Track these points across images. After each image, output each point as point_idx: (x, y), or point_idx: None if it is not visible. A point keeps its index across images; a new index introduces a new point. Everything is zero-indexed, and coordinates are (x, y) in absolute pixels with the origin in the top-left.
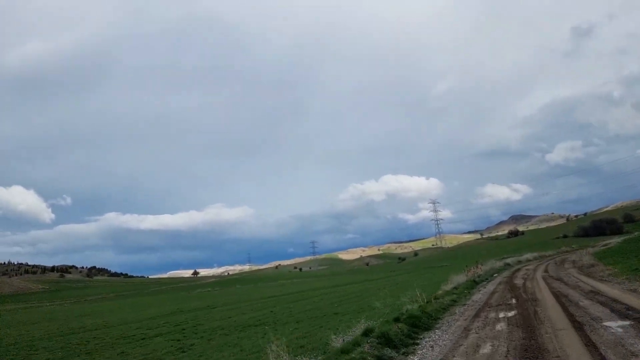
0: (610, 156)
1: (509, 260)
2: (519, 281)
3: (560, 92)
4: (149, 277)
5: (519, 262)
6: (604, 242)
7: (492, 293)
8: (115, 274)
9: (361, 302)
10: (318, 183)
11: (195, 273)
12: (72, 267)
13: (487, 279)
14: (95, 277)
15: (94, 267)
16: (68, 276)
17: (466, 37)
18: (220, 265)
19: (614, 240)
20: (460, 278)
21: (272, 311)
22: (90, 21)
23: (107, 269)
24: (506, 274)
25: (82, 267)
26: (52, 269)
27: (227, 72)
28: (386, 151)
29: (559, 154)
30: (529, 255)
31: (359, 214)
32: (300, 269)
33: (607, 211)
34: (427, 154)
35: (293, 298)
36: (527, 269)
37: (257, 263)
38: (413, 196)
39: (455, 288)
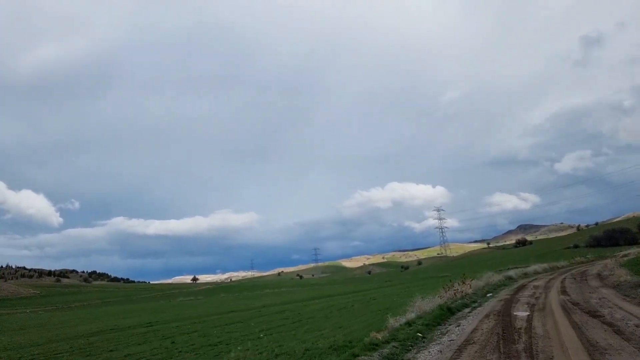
0: (620, 166)
1: (512, 273)
2: (521, 312)
3: (570, 101)
4: (151, 282)
5: (525, 274)
6: (623, 253)
7: (463, 346)
8: (116, 279)
9: (283, 333)
10: (324, 189)
11: (195, 279)
12: (73, 271)
13: (474, 302)
14: (94, 282)
15: (95, 272)
16: (65, 281)
17: (475, 46)
18: (224, 271)
19: (634, 251)
20: (429, 303)
21: (173, 342)
22: (101, 27)
23: (107, 274)
24: (505, 293)
25: (83, 272)
26: (49, 273)
27: (235, 79)
28: (393, 158)
29: (568, 163)
30: (537, 267)
31: (364, 221)
32: (301, 277)
33: (618, 221)
34: (434, 162)
35: (239, 317)
36: (535, 287)
37: (261, 269)
38: (419, 204)
39: (408, 324)
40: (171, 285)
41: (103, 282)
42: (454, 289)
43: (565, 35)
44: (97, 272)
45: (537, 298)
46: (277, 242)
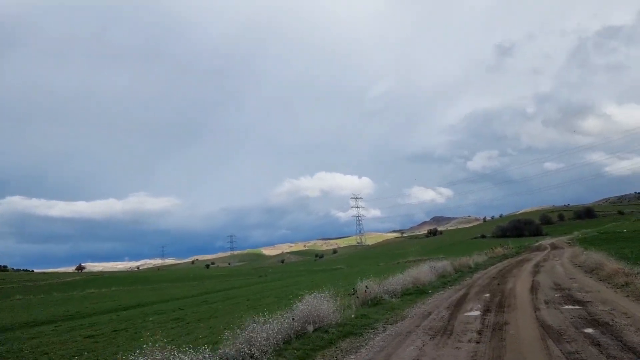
0: (522, 166)
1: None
2: None
3: (482, 104)
4: (35, 271)
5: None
6: (550, 242)
7: None
8: None
9: None
10: (252, 176)
11: (80, 268)
12: None
13: None
14: None
15: None
16: None
17: (401, 43)
18: (134, 258)
19: (555, 240)
20: None
21: None
22: None
23: None
24: None
25: None
26: None
27: (159, 53)
28: (322, 148)
29: (478, 161)
30: (425, 269)
31: (292, 210)
32: (208, 266)
33: (520, 214)
34: (360, 153)
35: None
36: None
37: (180, 256)
38: (346, 194)
39: None
40: (44, 275)
41: None
42: None
43: (482, 41)
44: None
45: None
46: (199, 228)
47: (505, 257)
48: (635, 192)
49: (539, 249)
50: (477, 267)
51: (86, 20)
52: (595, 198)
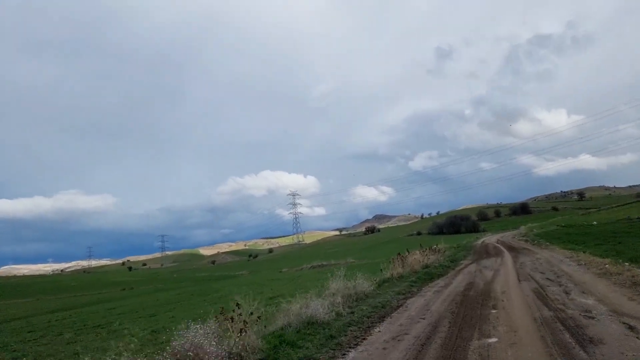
0: (460, 166)
1: None
2: None
3: (423, 105)
4: None
5: None
6: (496, 239)
7: None
8: None
9: None
10: (194, 174)
11: None
12: None
13: None
14: None
15: None
16: None
17: (344, 43)
18: (67, 260)
19: (491, 239)
20: None
21: None
22: None
23: None
24: None
25: None
26: None
27: (93, 42)
28: (267, 146)
29: (418, 161)
30: None
31: (236, 209)
32: (130, 269)
33: (457, 211)
34: (305, 152)
35: None
36: None
37: (117, 257)
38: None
39: None
40: None
41: None
42: None
43: (422, 44)
44: None
45: None
46: (137, 228)
47: (428, 276)
48: (561, 191)
49: (487, 251)
50: None
51: (3, 4)
52: (525, 197)
